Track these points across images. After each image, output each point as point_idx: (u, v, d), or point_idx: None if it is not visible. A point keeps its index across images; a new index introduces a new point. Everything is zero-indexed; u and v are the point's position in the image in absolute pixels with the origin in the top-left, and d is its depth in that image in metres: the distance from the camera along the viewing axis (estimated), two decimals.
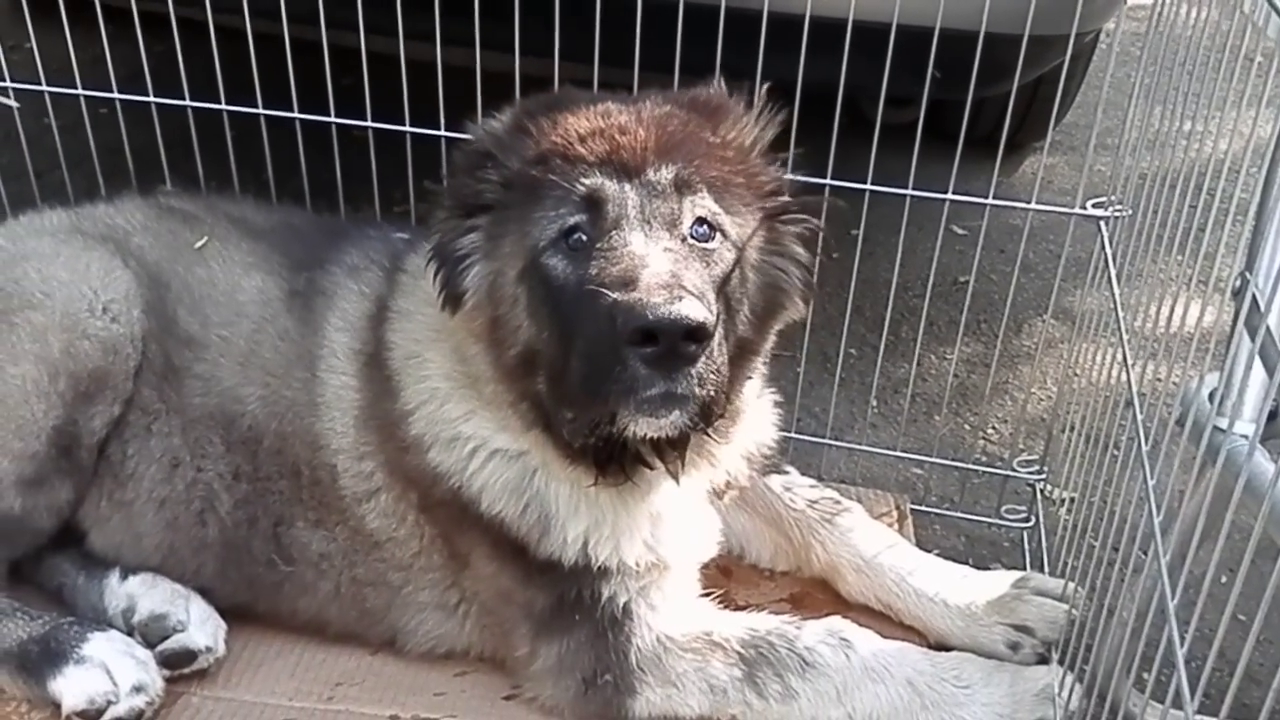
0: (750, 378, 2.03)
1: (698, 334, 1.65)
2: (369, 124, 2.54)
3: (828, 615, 2.14)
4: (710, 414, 1.77)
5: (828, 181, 2.37)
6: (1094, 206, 2.40)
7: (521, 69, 2.41)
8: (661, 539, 2.02)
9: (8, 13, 2.90)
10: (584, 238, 1.78)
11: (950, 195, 2.46)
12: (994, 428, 3.10)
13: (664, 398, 1.68)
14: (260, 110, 2.55)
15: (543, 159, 1.83)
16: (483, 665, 2.18)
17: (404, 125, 2.54)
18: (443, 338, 1.98)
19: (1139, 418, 1.90)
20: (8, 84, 2.62)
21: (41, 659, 2.01)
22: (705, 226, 1.81)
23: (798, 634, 2.03)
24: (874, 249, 3.49)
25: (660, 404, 1.69)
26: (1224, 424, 1.64)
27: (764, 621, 2.07)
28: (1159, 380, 1.96)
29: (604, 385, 1.70)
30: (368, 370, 2.07)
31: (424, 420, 2.00)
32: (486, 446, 1.97)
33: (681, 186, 1.80)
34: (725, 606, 2.24)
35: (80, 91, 2.63)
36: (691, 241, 1.79)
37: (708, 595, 2.18)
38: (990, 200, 2.46)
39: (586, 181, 1.79)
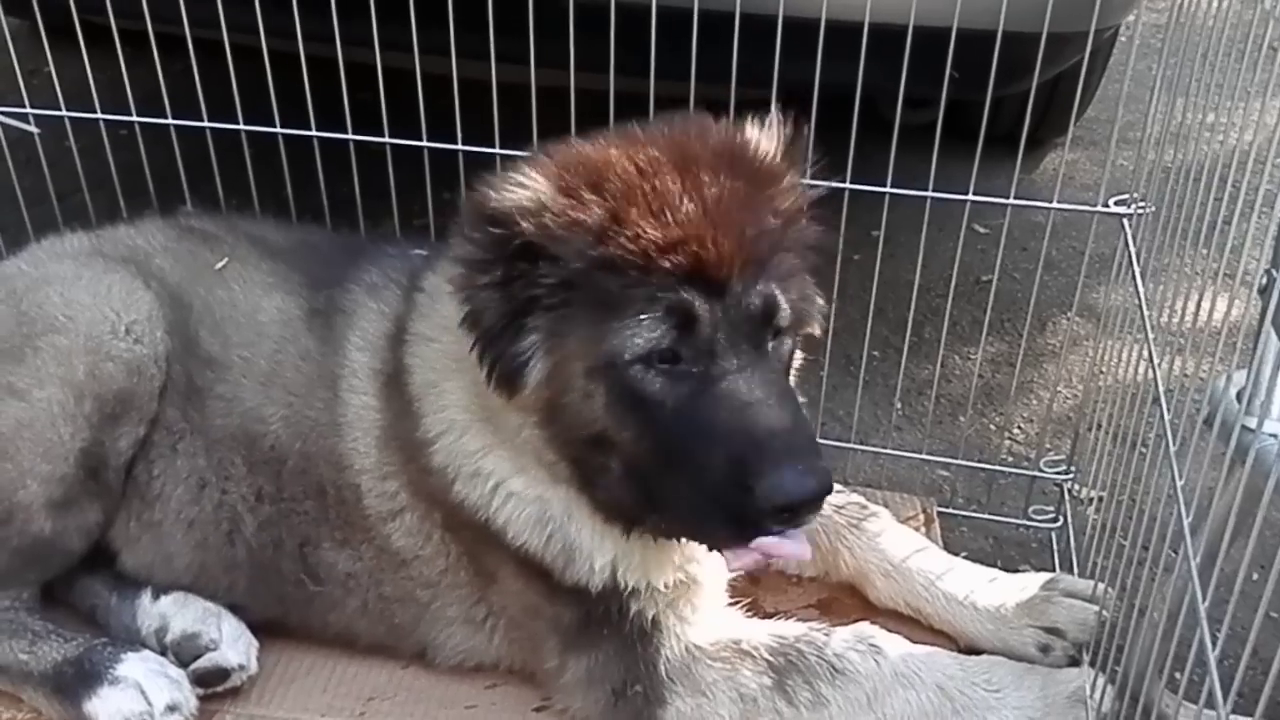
0: None
1: (825, 496, 1.74)
2: (386, 140, 2.54)
3: (856, 621, 2.13)
4: None
5: (847, 185, 2.36)
6: (1116, 204, 2.38)
7: (536, 80, 2.41)
8: (691, 558, 2.02)
9: (26, 37, 2.92)
10: (675, 354, 1.76)
11: (971, 196, 2.44)
12: (1020, 427, 3.09)
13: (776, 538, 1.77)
14: (278, 129, 2.56)
15: (613, 265, 1.75)
16: (512, 677, 2.18)
17: (421, 140, 2.54)
18: (461, 368, 1.95)
19: (1166, 417, 1.89)
20: (28, 110, 2.64)
21: (76, 680, 2.03)
22: (778, 331, 1.83)
23: (826, 641, 2.02)
24: (895, 250, 3.47)
25: (770, 550, 1.80)
26: (1252, 423, 1.61)
27: (792, 629, 2.06)
28: (1186, 376, 1.94)
29: (718, 522, 1.78)
30: (388, 391, 2.06)
31: (444, 452, 1.99)
32: (505, 486, 1.97)
33: (760, 292, 1.78)
34: (753, 613, 2.23)
35: (100, 116, 2.64)
36: (772, 347, 1.82)
37: (735, 603, 2.17)
38: (1011, 200, 2.44)
39: (672, 298, 1.74)
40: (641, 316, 1.75)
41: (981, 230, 3.86)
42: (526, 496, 1.98)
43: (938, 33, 2.33)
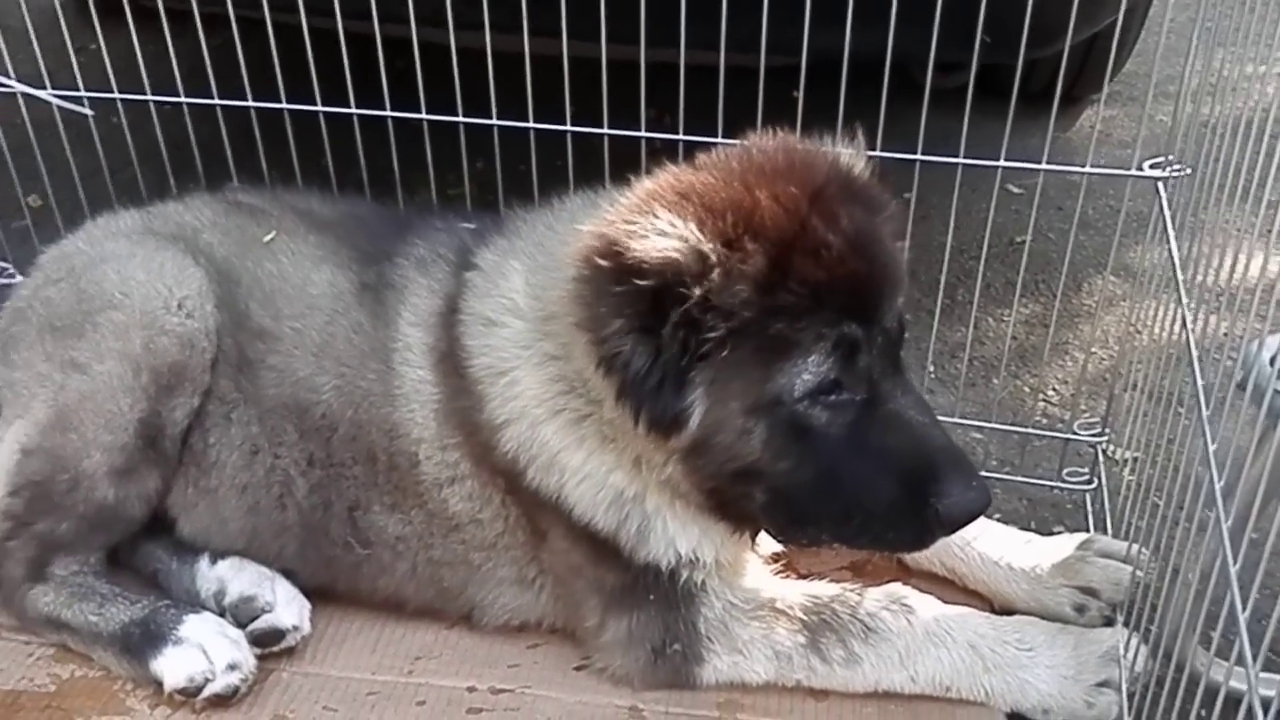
0: None
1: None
2: (423, 116, 2.58)
3: (889, 582, 2.19)
4: None
5: (878, 154, 2.37)
6: (1151, 166, 2.38)
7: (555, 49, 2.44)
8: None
9: (75, 16, 2.97)
10: (840, 385, 1.84)
11: (1003, 162, 2.45)
12: (1054, 389, 3.10)
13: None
14: (320, 108, 2.61)
15: (779, 310, 1.80)
16: (554, 637, 2.26)
17: (457, 116, 2.58)
18: (537, 359, 2.00)
19: (1199, 382, 1.91)
20: (82, 93, 2.71)
21: (143, 641, 2.13)
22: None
23: (859, 601, 2.08)
24: (928, 212, 3.48)
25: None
26: None
27: (826, 589, 2.13)
28: (1224, 336, 1.96)
29: (896, 535, 1.93)
30: (443, 366, 2.12)
31: (515, 440, 2.03)
32: (591, 479, 2.02)
33: (901, 323, 1.94)
34: (787, 575, 2.30)
35: (150, 98, 2.70)
36: (903, 365, 1.94)
37: (771, 565, 2.24)
38: (1044, 165, 2.44)
39: (838, 334, 1.81)
40: (809, 356, 1.82)
41: (1016, 190, 3.85)
42: (617, 488, 2.02)
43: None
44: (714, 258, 1.76)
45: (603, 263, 1.79)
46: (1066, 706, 2.03)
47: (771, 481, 1.90)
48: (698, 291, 1.76)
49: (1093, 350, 3.17)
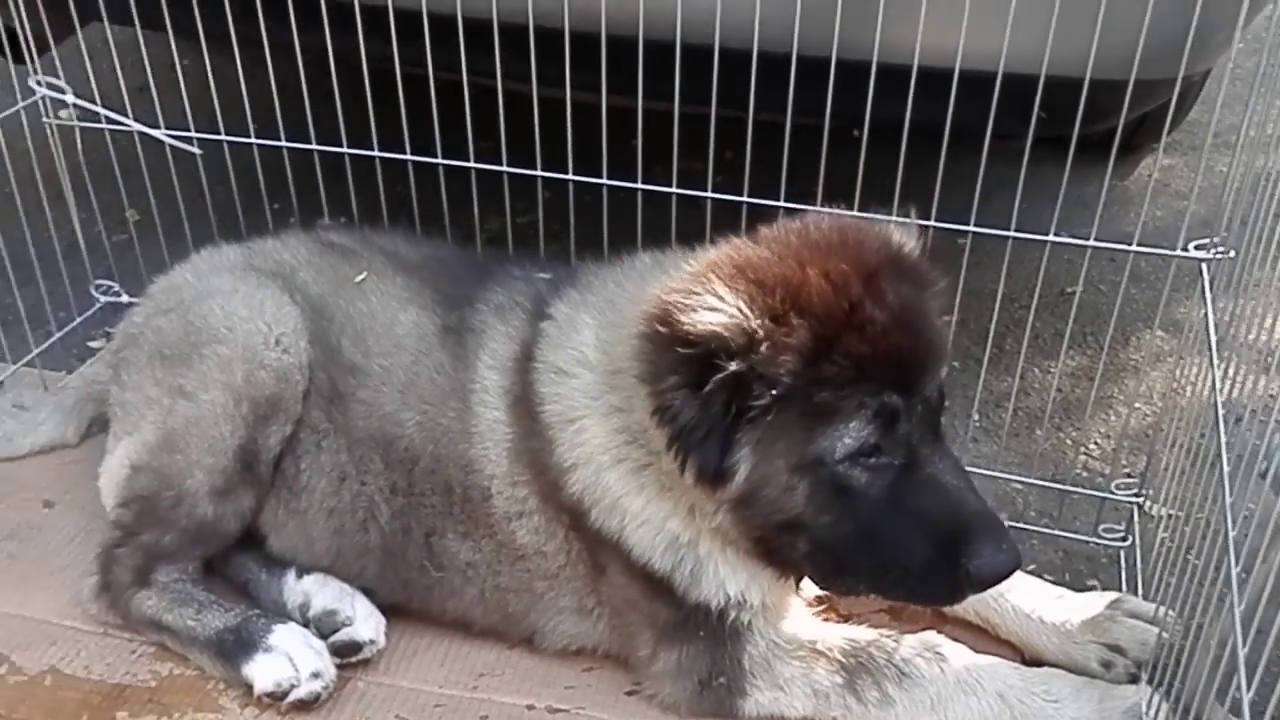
0: None
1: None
2: (503, 169, 2.76)
3: (925, 628, 2.32)
4: None
5: (931, 224, 2.51)
6: (1196, 248, 2.48)
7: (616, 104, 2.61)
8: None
9: (192, 64, 3.19)
10: (877, 447, 1.99)
11: (1052, 237, 2.56)
12: (1096, 443, 3.21)
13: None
14: (376, 152, 2.83)
15: (823, 380, 1.94)
16: (608, 663, 2.40)
17: (502, 165, 2.77)
18: (605, 410, 2.16)
19: (1222, 440, 2.02)
20: (192, 134, 2.93)
21: (236, 647, 2.31)
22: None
23: (895, 646, 2.22)
24: (980, 259, 3.57)
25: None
26: None
27: (865, 634, 2.26)
28: (1261, 398, 2.05)
29: (928, 591, 2.09)
30: (517, 409, 2.28)
31: (581, 484, 2.19)
32: (650, 524, 2.17)
33: (941, 394, 2.08)
34: (829, 615, 2.45)
35: (254, 140, 2.93)
36: (942, 432, 2.09)
37: (813, 607, 2.39)
38: (1092, 242, 2.53)
39: (878, 403, 1.96)
40: (851, 422, 1.97)
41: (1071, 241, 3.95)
42: (674, 534, 2.17)
43: (1026, 79, 2.47)
44: (760, 333, 1.92)
45: (660, 328, 1.96)
46: None
47: (814, 534, 2.04)
48: (742, 364, 1.91)
49: (1136, 406, 3.27)
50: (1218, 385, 2.21)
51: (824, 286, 1.97)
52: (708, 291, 1.95)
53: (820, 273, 1.98)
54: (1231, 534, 1.85)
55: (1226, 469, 1.99)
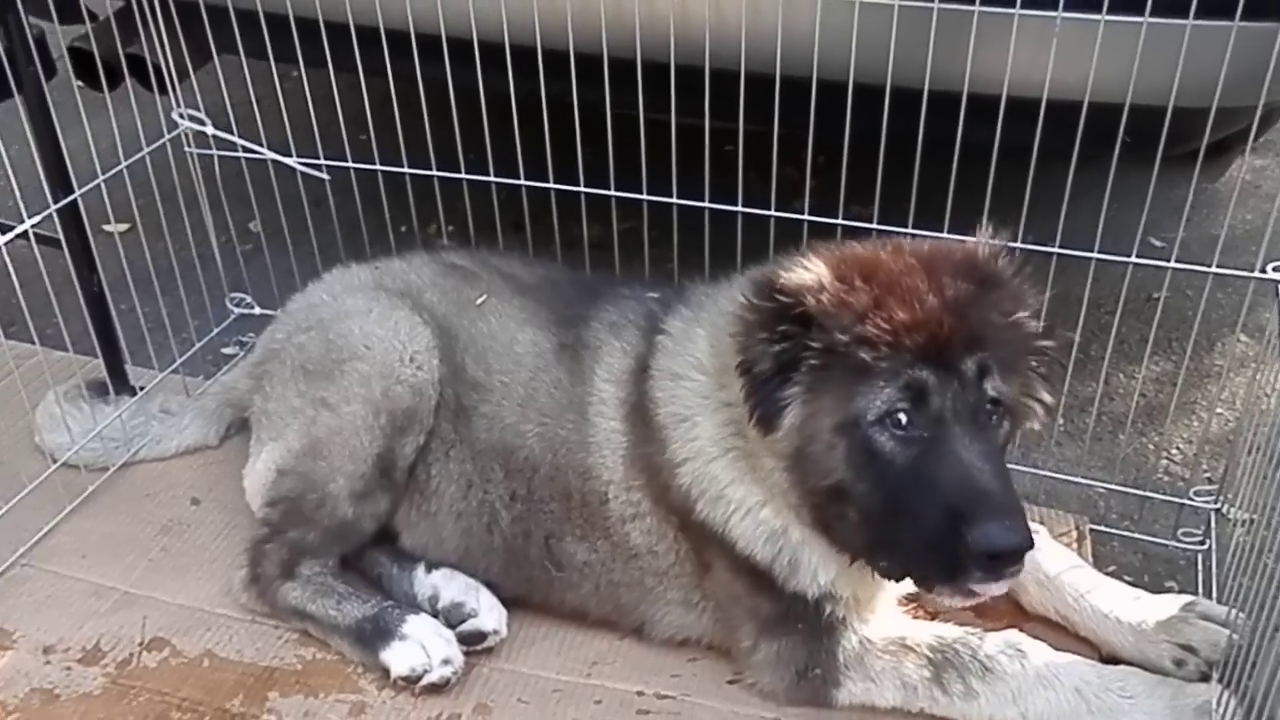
0: None
1: (1027, 550, 2.05)
2: (644, 196, 2.93)
3: (1008, 625, 2.47)
4: None
5: (1018, 245, 2.64)
6: (1274, 269, 2.58)
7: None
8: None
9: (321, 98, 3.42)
10: (906, 419, 2.12)
11: (1134, 259, 2.68)
12: (1178, 448, 3.31)
13: (983, 584, 2.11)
14: (491, 178, 3.02)
15: (867, 341, 2.11)
16: (711, 653, 2.58)
17: (610, 189, 2.95)
18: (714, 406, 2.35)
19: None
20: (321, 160, 3.18)
21: (374, 635, 2.53)
22: (994, 405, 2.16)
23: (980, 644, 2.37)
24: (1067, 265, 3.65)
25: (976, 590, 2.12)
26: None
27: (951, 631, 2.42)
28: None
29: (936, 568, 2.12)
30: (632, 418, 2.48)
31: (691, 475, 2.39)
32: (752, 513, 2.35)
33: (982, 374, 2.14)
34: (918, 612, 2.60)
35: (379, 168, 3.15)
36: (988, 423, 2.15)
37: (902, 605, 2.54)
38: (1173, 264, 2.65)
39: (911, 373, 2.11)
40: (884, 385, 2.13)
41: (1158, 244, 4.01)
42: (768, 522, 2.36)
43: (1112, 106, 2.58)
44: (829, 285, 2.15)
45: (756, 290, 2.23)
46: None
47: (857, 504, 2.19)
48: (811, 301, 2.14)
49: (1218, 411, 3.36)
50: None
51: (891, 267, 2.19)
52: (804, 259, 2.20)
53: (892, 259, 2.21)
54: None
55: None
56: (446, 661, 2.49)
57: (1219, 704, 2.26)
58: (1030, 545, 2.04)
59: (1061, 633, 2.55)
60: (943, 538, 2.05)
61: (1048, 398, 2.30)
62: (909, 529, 2.12)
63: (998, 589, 2.15)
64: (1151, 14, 2.43)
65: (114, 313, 3.29)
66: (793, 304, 2.16)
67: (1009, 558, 2.05)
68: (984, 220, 2.42)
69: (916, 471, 2.11)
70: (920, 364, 2.12)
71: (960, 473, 2.07)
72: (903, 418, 2.13)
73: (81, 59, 3.34)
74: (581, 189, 2.99)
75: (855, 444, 2.16)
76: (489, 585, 2.65)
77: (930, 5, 2.55)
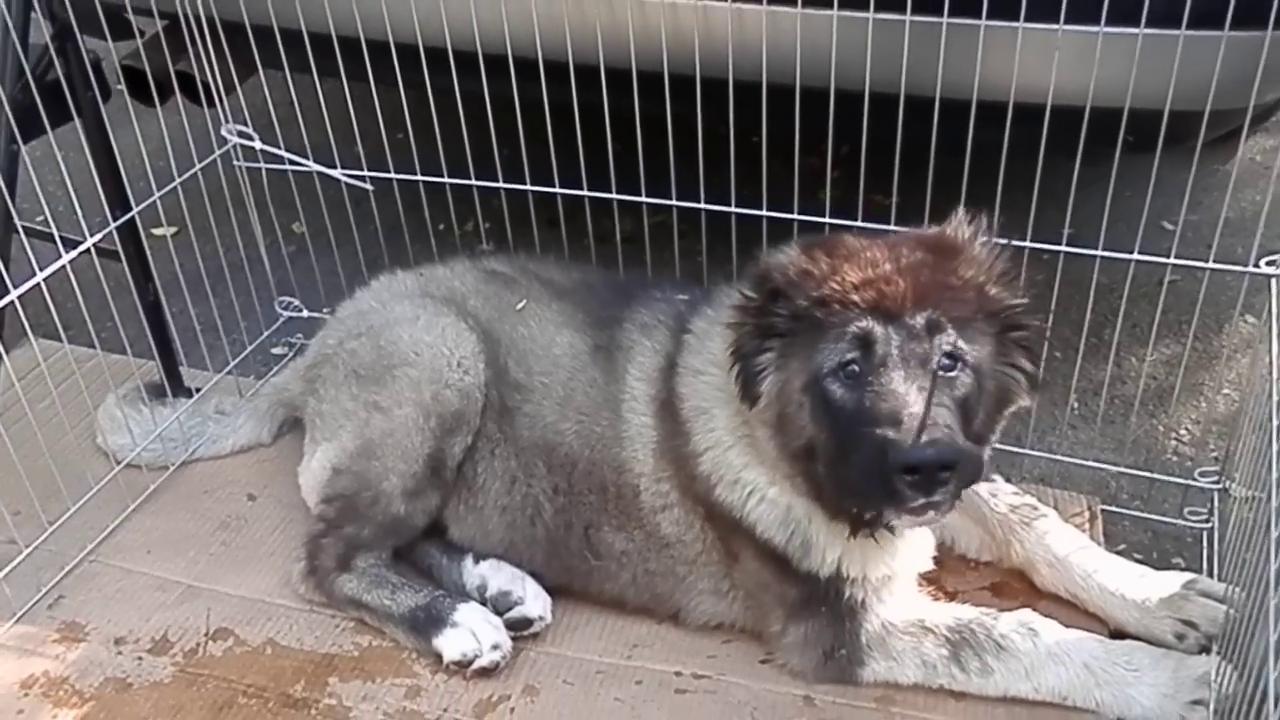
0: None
1: (949, 467, 2.16)
2: (612, 195, 3.09)
3: (1022, 604, 2.63)
4: (959, 497, 2.30)
5: (1026, 244, 2.78)
6: (1267, 264, 2.71)
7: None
8: (896, 557, 2.55)
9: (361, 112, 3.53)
10: (857, 369, 2.27)
11: (1136, 256, 2.82)
12: (1186, 429, 3.44)
13: (923, 505, 2.23)
14: (528, 186, 3.17)
15: (824, 302, 2.29)
16: (744, 636, 2.72)
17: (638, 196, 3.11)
18: (727, 398, 2.50)
19: (1274, 423, 2.24)
20: (365, 172, 3.34)
21: (427, 622, 2.69)
22: (950, 359, 2.28)
23: (994, 623, 2.52)
24: (1081, 248, 3.79)
25: (920, 510, 2.24)
26: None
27: (967, 612, 2.57)
28: None
29: (875, 493, 2.23)
30: (662, 413, 2.63)
31: (710, 462, 2.55)
32: (761, 493, 2.52)
33: (932, 329, 2.26)
34: (936, 591, 2.77)
35: (419, 178, 3.30)
36: (940, 373, 2.26)
37: (921, 587, 2.70)
38: (1172, 259, 2.79)
39: (859, 325, 2.27)
40: (837, 340, 2.29)
41: (1168, 227, 4.11)
42: (777, 502, 2.53)
43: (1113, 110, 2.72)
44: (795, 261, 2.35)
45: (746, 284, 2.44)
46: (1165, 719, 2.44)
47: (823, 455, 2.33)
48: (778, 276, 2.34)
49: (1224, 391, 3.49)
50: (1276, 398, 2.45)
51: (853, 243, 2.38)
52: (783, 247, 2.41)
53: (857, 237, 2.42)
54: (1273, 504, 2.10)
55: (1277, 445, 2.22)
56: (495, 647, 2.65)
57: (1217, 674, 2.41)
58: (949, 459, 2.13)
59: (1072, 610, 2.70)
60: (878, 464, 2.16)
61: (1028, 366, 2.41)
62: (856, 464, 2.23)
63: (937, 513, 2.26)
64: (1147, 25, 2.55)
65: (169, 318, 3.47)
66: (765, 281, 2.36)
67: (929, 474, 2.15)
68: (995, 215, 2.54)
69: (859, 410, 2.22)
70: (869, 317, 2.28)
71: (892, 405, 2.18)
72: (855, 368, 2.28)
73: (133, 76, 3.50)
74: (613, 195, 3.13)
75: (817, 398, 2.32)
76: (533, 575, 2.81)
77: (940, 20, 2.67)
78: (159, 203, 3.26)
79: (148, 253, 3.36)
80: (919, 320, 2.27)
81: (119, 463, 3.25)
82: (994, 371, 2.37)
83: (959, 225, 2.43)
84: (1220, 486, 3.01)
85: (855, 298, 2.29)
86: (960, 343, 2.29)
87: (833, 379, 2.30)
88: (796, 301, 2.34)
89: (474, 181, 3.25)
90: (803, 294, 2.33)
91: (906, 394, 2.20)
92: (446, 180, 3.26)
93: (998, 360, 2.37)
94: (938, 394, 2.23)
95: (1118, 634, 2.64)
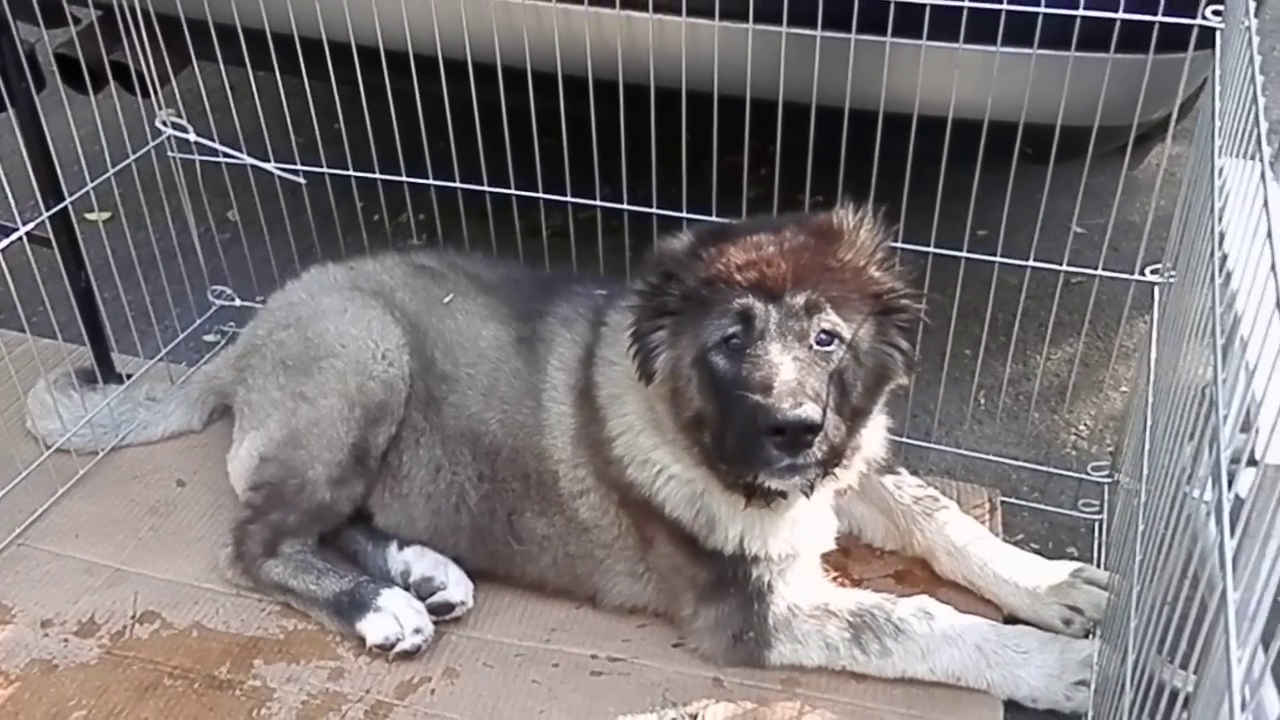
0: (864, 429, 2.61)
1: (813, 429, 2.30)
2: (610, 204, 3.19)
3: (923, 590, 2.77)
4: (830, 465, 2.43)
5: (930, 249, 2.92)
6: (1151, 272, 2.89)
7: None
8: (797, 536, 2.67)
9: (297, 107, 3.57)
10: (738, 343, 2.40)
11: (1031, 262, 2.96)
12: (1085, 424, 3.61)
13: (789, 468, 2.36)
14: (457, 184, 3.26)
15: (711, 282, 2.43)
16: (658, 620, 2.84)
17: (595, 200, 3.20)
18: (636, 385, 2.61)
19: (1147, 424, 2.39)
20: (299, 166, 3.40)
21: (350, 607, 2.77)
22: (826, 335, 2.41)
23: (893, 608, 2.66)
24: (992, 250, 3.94)
25: (786, 472, 2.37)
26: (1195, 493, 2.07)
27: (869, 597, 2.71)
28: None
29: (749, 455, 2.37)
30: (580, 401, 2.74)
31: (623, 445, 2.67)
32: (667, 471, 2.63)
33: (810, 308, 2.40)
34: (843, 578, 2.91)
35: (352, 173, 3.39)
36: (816, 348, 2.39)
37: (829, 573, 2.84)
38: (1064, 267, 2.96)
39: (741, 301, 2.40)
40: (720, 316, 2.43)
41: (1079, 231, 4.29)
42: (681, 478, 2.64)
43: (1010, 124, 2.86)
44: (685, 246, 2.51)
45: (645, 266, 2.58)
46: (1050, 699, 2.59)
47: (708, 426, 2.46)
48: (669, 260, 2.50)
49: (1122, 389, 3.67)
50: (1149, 399, 2.61)
51: (746, 229, 2.53)
52: (675, 235, 2.57)
53: (752, 224, 2.58)
54: (1142, 499, 2.25)
55: (1148, 446, 2.38)
56: (418, 630, 2.74)
57: (1099, 656, 2.58)
58: (812, 422, 2.27)
59: (969, 596, 2.86)
60: (750, 426, 2.31)
61: (904, 345, 2.54)
62: (733, 429, 2.38)
63: (801, 477, 2.40)
64: (1040, 46, 2.70)
65: (100, 304, 3.50)
66: (659, 265, 2.51)
67: (794, 435, 2.29)
68: (839, 198, 2.65)
69: (737, 379, 2.36)
70: (750, 294, 2.42)
71: (765, 373, 2.31)
72: (737, 341, 2.41)
73: (67, 64, 3.52)
74: (540, 195, 3.22)
75: (703, 371, 2.46)
76: (456, 560, 2.90)
77: (849, 37, 2.80)
78: (91, 189, 3.28)
79: (80, 240, 3.39)
80: (798, 300, 2.41)
81: (48, 447, 3.29)
82: (872, 349, 2.50)
83: (842, 213, 2.56)
84: (1111, 480, 3.18)
85: (739, 278, 2.43)
86: (838, 321, 2.43)
87: (716, 352, 2.43)
88: (687, 282, 2.48)
89: (404, 178, 3.32)
90: (692, 275, 2.46)
91: (780, 364, 2.33)
92: (378, 176, 3.33)
93: (876, 339, 2.50)
94: (810, 366, 2.37)
95: (1011, 619, 2.79)
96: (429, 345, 2.92)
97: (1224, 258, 1.79)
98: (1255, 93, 1.81)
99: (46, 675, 2.73)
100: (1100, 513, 3.18)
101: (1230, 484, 1.62)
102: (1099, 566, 2.93)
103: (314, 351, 2.87)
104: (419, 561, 2.89)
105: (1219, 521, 1.41)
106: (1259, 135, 1.69)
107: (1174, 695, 1.90)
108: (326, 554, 2.94)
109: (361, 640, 2.76)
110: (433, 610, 2.81)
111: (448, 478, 2.88)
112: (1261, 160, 1.64)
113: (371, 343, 2.86)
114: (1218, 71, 2.39)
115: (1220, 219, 1.86)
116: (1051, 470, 3.30)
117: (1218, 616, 1.38)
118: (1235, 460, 1.55)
